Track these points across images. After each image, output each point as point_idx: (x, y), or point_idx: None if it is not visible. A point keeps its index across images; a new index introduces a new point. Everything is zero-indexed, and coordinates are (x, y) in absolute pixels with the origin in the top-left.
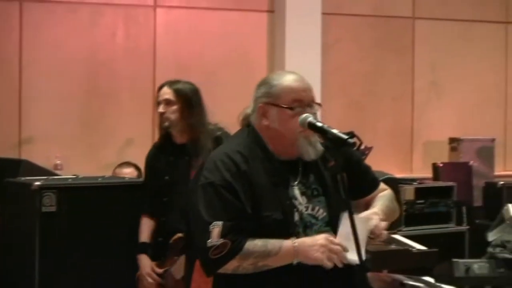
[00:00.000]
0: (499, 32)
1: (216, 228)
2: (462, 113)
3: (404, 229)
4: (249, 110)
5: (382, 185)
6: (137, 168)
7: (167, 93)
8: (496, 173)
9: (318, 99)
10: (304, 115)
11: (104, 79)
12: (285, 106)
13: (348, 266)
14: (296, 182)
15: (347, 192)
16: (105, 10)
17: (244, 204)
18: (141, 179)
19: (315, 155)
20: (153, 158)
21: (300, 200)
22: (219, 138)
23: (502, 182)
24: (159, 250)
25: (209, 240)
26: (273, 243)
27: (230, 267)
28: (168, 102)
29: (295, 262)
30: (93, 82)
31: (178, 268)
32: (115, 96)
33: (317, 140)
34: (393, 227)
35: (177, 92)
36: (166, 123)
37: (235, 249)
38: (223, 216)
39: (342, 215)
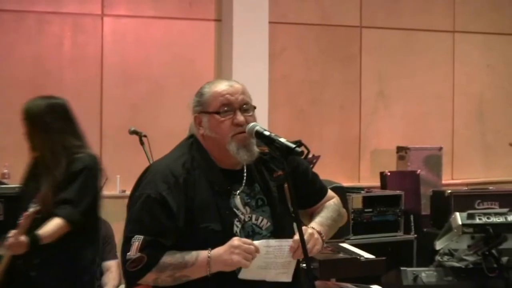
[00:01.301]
0: (446, 41)
1: (136, 242)
2: (410, 122)
3: (352, 238)
4: None
5: (329, 193)
6: None
7: None
8: (444, 181)
9: (265, 107)
10: (252, 124)
11: (51, 88)
12: (212, 111)
13: (294, 277)
14: (238, 192)
15: (294, 202)
16: (53, 18)
17: (175, 220)
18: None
19: (250, 157)
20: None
21: (242, 210)
22: (76, 159)
23: (449, 191)
24: None
25: (128, 253)
26: (191, 254)
27: (149, 279)
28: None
29: (209, 272)
30: (39, 90)
31: None
32: None
33: (252, 143)
34: (340, 235)
35: (24, 111)
36: None
37: (150, 263)
38: (146, 230)
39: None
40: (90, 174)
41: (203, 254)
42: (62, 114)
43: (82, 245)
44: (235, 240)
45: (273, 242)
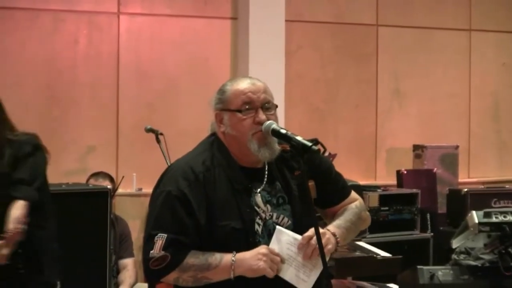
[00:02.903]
0: (462, 39)
1: (160, 240)
2: (425, 121)
3: (368, 236)
4: None
5: (353, 194)
6: (111, 180)
7: None
8: (460, 180)
9: (281, 106)
10: (268, 122)
11: (65, 87)
12: (234, 109)
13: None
14: (259, 190)
15: (309, 200)
16: (68, 16)
17: (196, 217)
18: (105, 187)
19: (271, 155)
20: None
21: (263, 208)
22: (21, 142)
23: (466, 189)
24: None
25: (152, 251)
26: (215, 256)
27: (171, 278)
28: None
29: (232, 276)
30: (54, 89)
31: None
32: (76, 104)
33: (274, 141)
34: (359, 234)
35: None
36: None
37: (173, 263)
38: (169, 228)
39: (277, 230)
40: (38, 153)
41: (227, 257)
42: None
43: (42, 220)
44: (263, 248)
45: (287, 232)
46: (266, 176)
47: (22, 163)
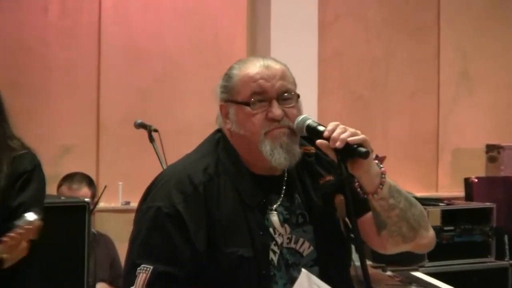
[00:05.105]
0: None
1: (143, 273)
2: (502, 113)
3: (427, 265)
4: None
5: None
6: (90, 183)
7: None
8: None
9: (313, 94)
10: (302, 116)
11: (32, 70)
12: (241, 101)
13: None
14: (276, 206)
15: (353, 217)
16: None
17: (192, 243)
18: (82, 200)
19: (288, 160)
20: None
21: (280, 230)
22: (19, 158)
23: None
24: None
25: (132, 287)
26: None
27: None
28: None
29: None
30: (17, 73)
31: None
32: (46, 92)
33: (294, 141)
34: (412, 261)
35: None
36: None
37: None
38: (156, 257)
39: (302, 273)
40: (41, 174)
41: None
42: None
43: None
44: None
45: (316, 281)
46: (284, 187)
47: (24, 182)
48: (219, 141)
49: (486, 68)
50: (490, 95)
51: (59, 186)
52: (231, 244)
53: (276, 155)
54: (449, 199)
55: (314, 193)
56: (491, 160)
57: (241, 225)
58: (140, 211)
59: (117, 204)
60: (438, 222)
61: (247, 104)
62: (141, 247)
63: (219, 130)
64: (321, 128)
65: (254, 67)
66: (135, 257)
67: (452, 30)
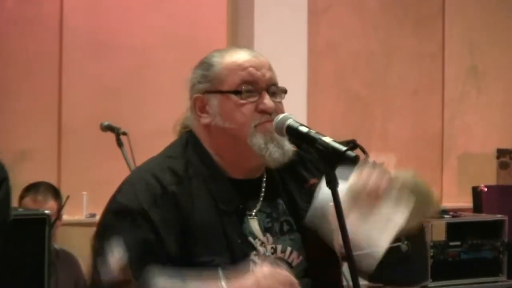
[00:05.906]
0: None
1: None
2: None
3: (430, 285)
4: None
5: None
6: (56, 195)
7: None
8: None
9: (302, 91)
10: (282, 115)
11: None
12: (228, 90)
13: None
14: (255, 211)
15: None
16: None
17: (163, 243)
18: (42, 212)
19: (282, 156)
20: None
21: (262, 238)
22: None
23: None
24: None
25: (104, 269)
26: (195, 284)
27: None
28: None
29: None
30: None
31: None
32: (2, 89)
33: (284, 139)
34: (415, 279)
35: None
36: None
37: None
38: (127, 245)
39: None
40: (8, 187)
41: (213, 285)
42: None
43: None
44: (265, 267)
45: None
46: (263, 190)
47: None
48: (187, 143)
49: (496, 63)
50: (501, 93)
51: (22, 197)
52: (206, 252)
53: (271, 149)
54: (455, 210)
55: (299, 198)
56: (503, 166)
57: (217, 232)
58: (103, 216)
59: (81, 216)
60: (443, 237)
61: (236, 92)
62: (109, 232)
63: (187, 130)
64: (303, 129)
65: (241, 55)
66: (105, 239)
67: (458, 21)
